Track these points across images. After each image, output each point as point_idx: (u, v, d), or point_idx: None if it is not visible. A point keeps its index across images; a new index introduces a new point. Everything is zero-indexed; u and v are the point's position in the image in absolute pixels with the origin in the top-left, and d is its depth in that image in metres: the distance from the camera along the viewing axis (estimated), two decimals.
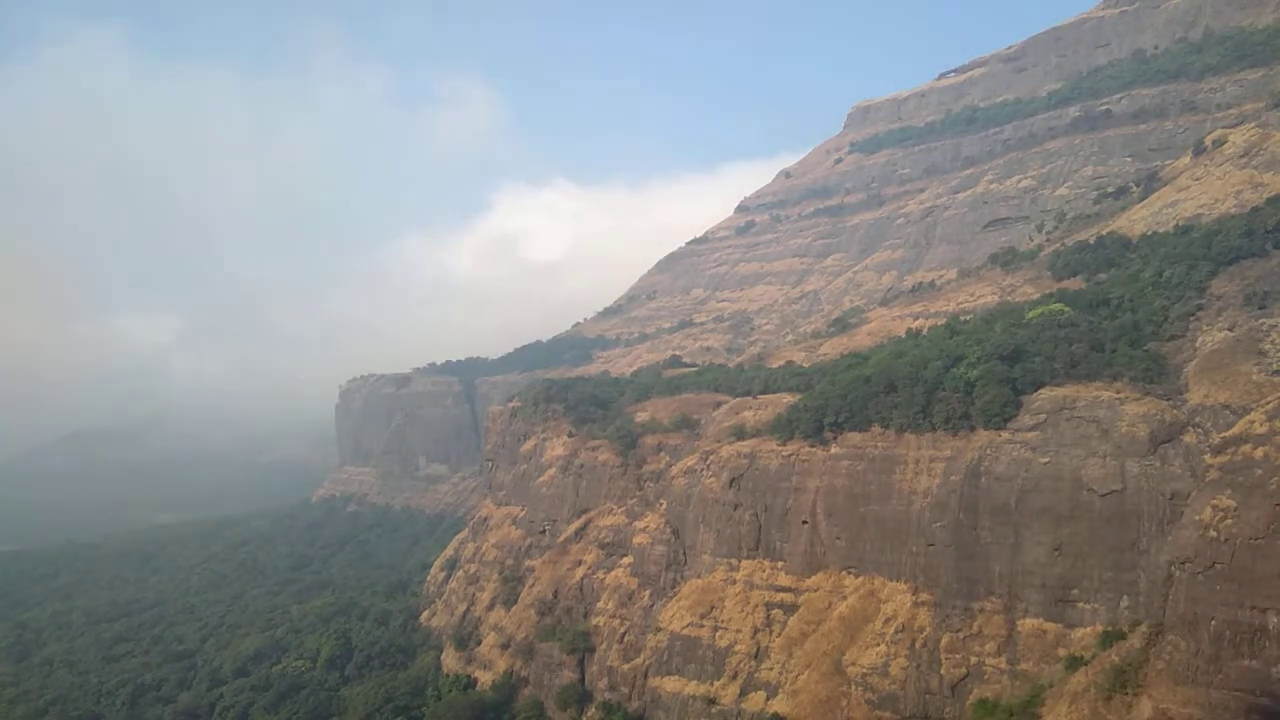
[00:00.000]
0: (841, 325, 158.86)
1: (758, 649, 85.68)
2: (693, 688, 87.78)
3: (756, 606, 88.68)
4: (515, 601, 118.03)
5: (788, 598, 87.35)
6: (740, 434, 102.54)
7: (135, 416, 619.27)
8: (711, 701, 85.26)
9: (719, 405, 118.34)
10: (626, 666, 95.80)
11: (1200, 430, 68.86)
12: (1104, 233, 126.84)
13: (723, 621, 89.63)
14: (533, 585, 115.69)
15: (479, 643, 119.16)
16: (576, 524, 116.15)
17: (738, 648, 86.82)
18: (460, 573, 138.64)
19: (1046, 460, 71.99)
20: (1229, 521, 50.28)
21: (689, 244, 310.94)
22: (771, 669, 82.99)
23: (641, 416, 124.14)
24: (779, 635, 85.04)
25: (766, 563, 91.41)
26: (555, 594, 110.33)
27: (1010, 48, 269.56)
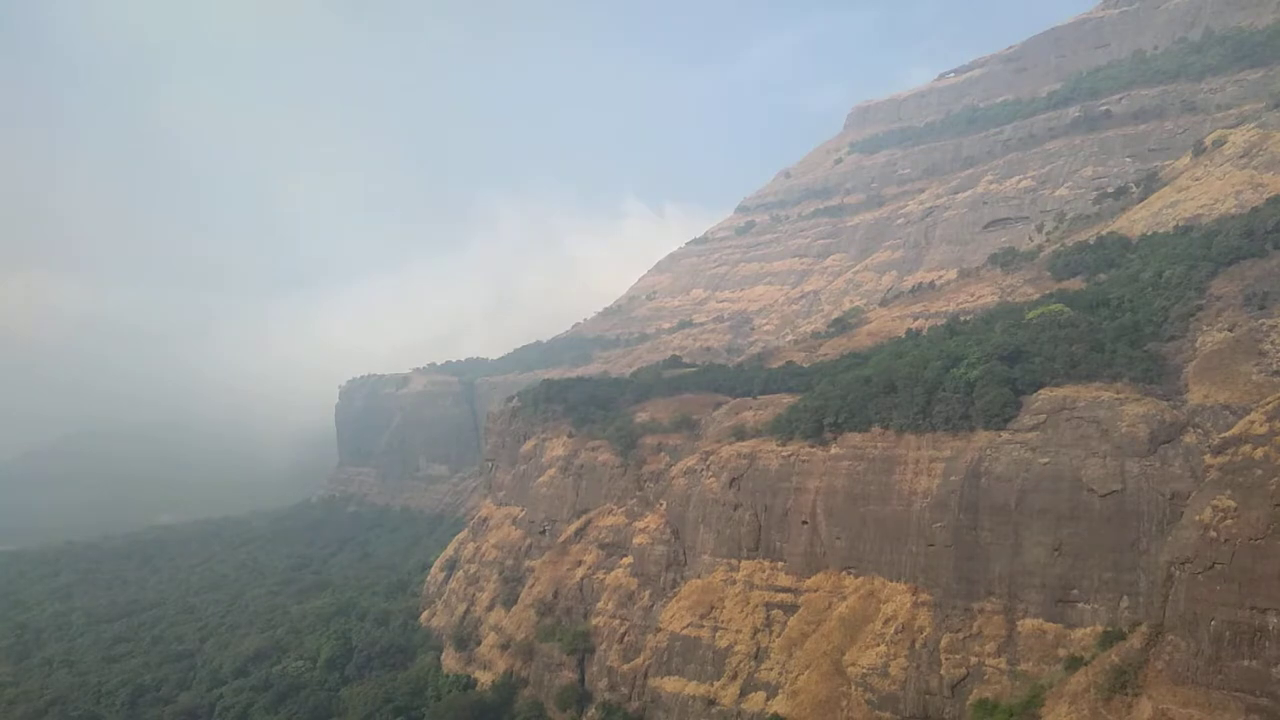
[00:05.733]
0: (841, 325, 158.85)
1: (758, 649, 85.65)
2: (693, 688, 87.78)
3: (756, 607, 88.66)
4: (515, 602, 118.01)
5: (788, 598, 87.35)
6: (740, 434, 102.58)
7: (135, 415, 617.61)
8: (711, 702, 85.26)
9: (719, 405, 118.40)
10: (626, 667, 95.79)
11: (1200, 430, 68.91)
12: (1104, 233, 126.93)
13: (723, 622, 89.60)
14: (533, 585, 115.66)
15: (479, 643, 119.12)
16: (576, 524, 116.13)
17: (738, 648, 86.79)
18: (460, 573, 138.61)
19: (1046, 460, 71.99)
20: (1229, 522, 50.27)
21: (689, 244, 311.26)
22: (771, 669, 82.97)
23: (641, 417, 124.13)
24: (779, 635, 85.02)
25: (766, 563, 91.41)
26: (555, 594, 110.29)
27: (1010, 48, 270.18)
